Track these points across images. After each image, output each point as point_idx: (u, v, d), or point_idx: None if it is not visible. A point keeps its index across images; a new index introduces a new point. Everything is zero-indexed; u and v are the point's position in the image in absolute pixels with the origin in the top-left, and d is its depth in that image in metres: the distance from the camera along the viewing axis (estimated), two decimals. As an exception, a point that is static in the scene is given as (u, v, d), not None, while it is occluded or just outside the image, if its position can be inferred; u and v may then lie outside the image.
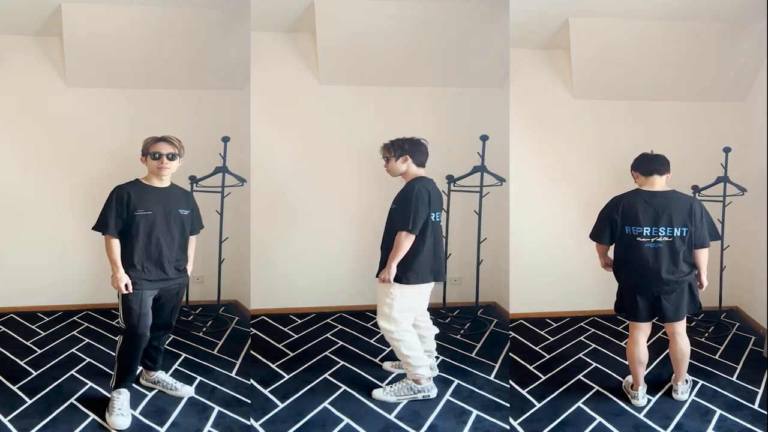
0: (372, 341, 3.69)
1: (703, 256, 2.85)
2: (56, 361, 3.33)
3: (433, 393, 2.96)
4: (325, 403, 2.90)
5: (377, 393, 2.96)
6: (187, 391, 2.96)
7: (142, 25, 3.75)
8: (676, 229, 2.76)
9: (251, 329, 3.85)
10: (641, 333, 2.89)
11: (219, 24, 3.82)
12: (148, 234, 2.73)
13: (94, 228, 2.76)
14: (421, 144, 2.99)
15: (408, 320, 2.95)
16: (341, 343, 3.67)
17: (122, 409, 2.71)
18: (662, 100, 4.12)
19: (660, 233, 2.76)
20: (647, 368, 3.06)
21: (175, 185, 2.91)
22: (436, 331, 3.23)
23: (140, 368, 3.04)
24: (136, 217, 2.70)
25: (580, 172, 4.11)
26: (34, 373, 3.17)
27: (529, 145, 4.06)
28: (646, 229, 2.77)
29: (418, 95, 4.15)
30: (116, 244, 2.71)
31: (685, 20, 3.75)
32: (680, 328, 2.88)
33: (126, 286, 2.68)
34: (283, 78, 4.05)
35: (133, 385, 2.96)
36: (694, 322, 3.99)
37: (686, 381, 3.00)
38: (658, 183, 2.85)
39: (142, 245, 2.72)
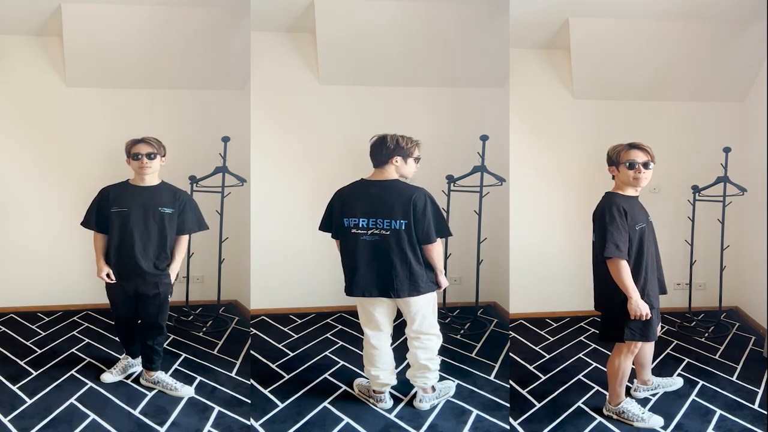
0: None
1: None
2: (56, 361, 3.33)
3: (381, 405, 2.87)
4: (325, 403, 2.90)
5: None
6: (187, 392, 2.96)
7: (142, 25, 3.75)
8: None
9: (251, 329, 3.85)
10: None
11: (219, 24, 3.82)
12: (122, 230, 2.87)
13: (81, 223, 2.99)
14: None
15: (368, 332, 2.85)
16: (341, 343, 3.67)
17: (115, 369, 3.10)
18: (662, 100, 4.12)
19: None
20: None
21: (166, 184, 2.98)
22: (426, 354, 2.84)
23: (141, 369, 3.10)
24: (112, 214, 2.88)
25: (580, 172, 4.11)
26: (34, 373, 3.17)
27: (529, 145, 4.06)
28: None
29: (419, 95, 4.14)
30: (98, 238, 2.95)
31: (684, 20, 3.75)
32: None
33: (108, 275, 2.91)
34: (283, 78, 4.05)
35: (133, 384, 3.03)
36: (694, 322, 3.99)
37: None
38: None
39: (116, 241, 2.89)
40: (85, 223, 2.96)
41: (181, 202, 2.94)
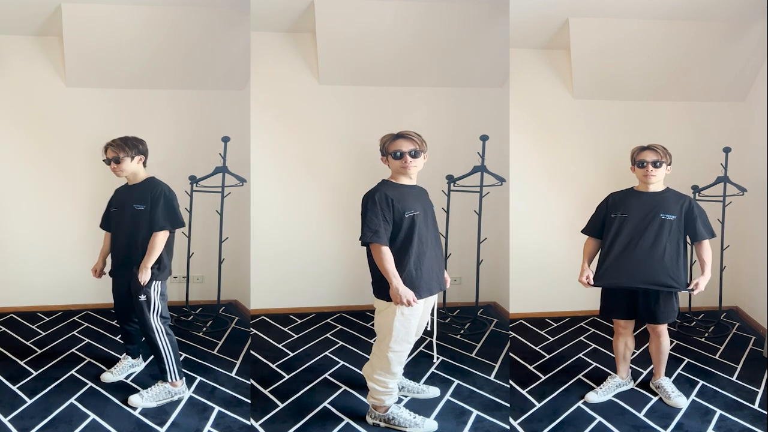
0: (372, 341, 3.68)
1: None
2: (56, 361, 3.33)
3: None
4: (325, 403, 2.91)
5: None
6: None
7: (142, 25, 3.75)
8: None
9: (251, 329, 3.85)
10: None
11: (219, 24, 3.82)
12: (114, 229, 3.03)
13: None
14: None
15: None
16: (341, 343, 3.67)
17: (115, 369, 3.14)
18: (662, 100, 4.12)
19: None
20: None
21: (150, 181, 2.93)
22: (367, 367, 2.72)
23: (141, 369, 3.14)
24: (109, 215, 3.08)
25: (580, 172, 4.11)
26: (34, 373, 3.17)
27: (529, 145, 4.06)
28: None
29: (419, 95, 4.15)
30: (106, 237, 3.14)
31: (685, 20, 3.75)
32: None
33: (96, 271, 3.12)
34: (283, 78, 4.05)
35: (133, 384, 3.04)
36: (694, 322, 3.99)
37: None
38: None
39: (110, 240, 3.04)
40: (101, 225, 3.16)
41: (154, 198, 2.86)
